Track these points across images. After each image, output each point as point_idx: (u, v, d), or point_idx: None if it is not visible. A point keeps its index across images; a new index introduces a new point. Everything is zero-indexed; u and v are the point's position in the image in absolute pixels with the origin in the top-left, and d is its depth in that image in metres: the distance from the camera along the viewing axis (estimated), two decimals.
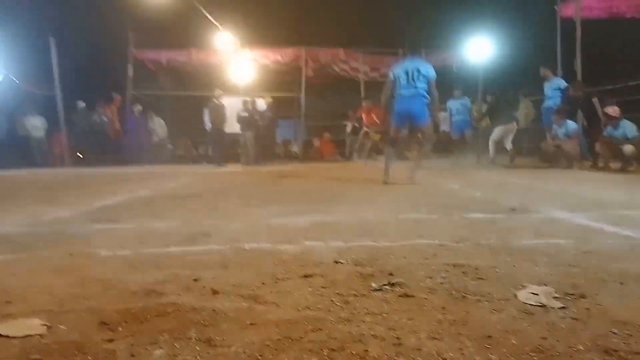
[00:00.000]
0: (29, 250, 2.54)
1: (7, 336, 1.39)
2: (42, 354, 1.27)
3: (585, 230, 2.88)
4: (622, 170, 7.70)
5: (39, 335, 1.40)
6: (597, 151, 8.42)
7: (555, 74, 9.81)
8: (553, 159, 9.14)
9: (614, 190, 5.05)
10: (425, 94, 5.84)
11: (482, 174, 7.73)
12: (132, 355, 1.26)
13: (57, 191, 5.96)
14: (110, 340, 1.36)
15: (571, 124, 8.90)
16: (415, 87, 5.73)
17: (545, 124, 9.74)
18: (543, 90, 9.89)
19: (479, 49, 13.09)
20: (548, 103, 9.69)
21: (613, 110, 7.94)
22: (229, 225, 3.21)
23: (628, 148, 7.64)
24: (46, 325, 1.47)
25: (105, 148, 14.17)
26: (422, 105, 5.87)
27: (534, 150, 11.23)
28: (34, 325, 1.46)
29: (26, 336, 1.39)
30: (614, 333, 1.35)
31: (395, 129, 6.23)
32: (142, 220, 3.53)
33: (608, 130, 8.07)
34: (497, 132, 10.01)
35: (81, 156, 14.18)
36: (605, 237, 2.66)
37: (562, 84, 9.54)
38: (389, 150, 6.36)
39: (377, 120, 8.74)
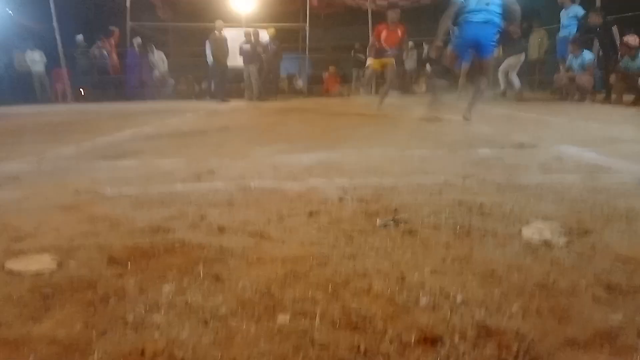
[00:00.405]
0: (35, 188, 2.56)
1: (18, 272, 1.42)
2: (53, 288, 1.30)
3: (594, 166, 2.84)
4: (635, 103, 7.51)
5: (50, 270, 1.43)
6: (611, 83, 8.17)
7: (573, 1, 9.31)
8: (565, 91, 8.91)
9: (626, 125, 4.95)
10: (499, 21, 4.93)
11: (491, 107, 7.57)
12: (142, 290, 1.29)
13: (60, 128, 5.93)
14: (120, 276, 1.39)
15: (587, 55, 8.56)
16: (488, 12, 4.84)
17: (559, 54, 9.39)
18: (559, 18, 9.44)
19: None
20: (564, 32, 9.28)
21: (633, 39, 7.59)
22: (233, 163, 3.20)
23: None
24: (56, 261, 1.49)
25: (107, 84, 13.95)
26: (493, 35, 4.99)
27: (547, 82, 10.91)
28: (45, 261, 1.49)
29: (37, 272, 1.42)
30: (618, 269, 1.36)
31: (451, 59, 5.37)
32: (147, 157, 3.52)
33: (624, 61, 7.78)
34: (506, 63, 9.68)
35: (83, 92, 14.00)
36: (614, 173, 2.63)
37: (580, 12, 9.08)
38: (439, 82, 5.64)
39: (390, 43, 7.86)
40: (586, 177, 2.53)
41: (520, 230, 1.71)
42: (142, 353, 0.99)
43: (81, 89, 14.00)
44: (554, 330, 1.05)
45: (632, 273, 1.33)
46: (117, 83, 14.07)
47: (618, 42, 8.06)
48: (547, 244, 1.58)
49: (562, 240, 1.59)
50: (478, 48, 5.09)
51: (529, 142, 3.79)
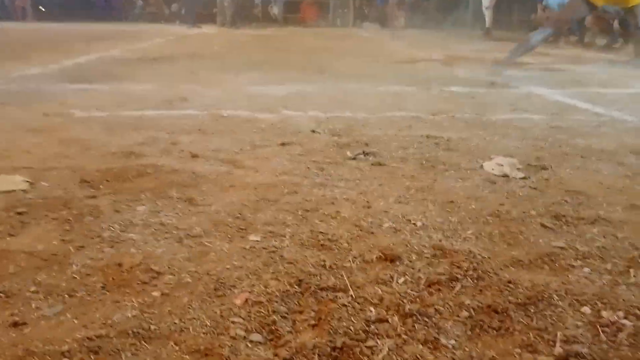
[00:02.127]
0: (3, 109, 2.49)
1: None
2: (27, 208, 1.32)
3: (560, 106, 2.94)
4: (607, 47, 7.59)
5: (23, 190, 1.44)
6: (586, 25, 8.17)
7: None
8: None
9: (595, 68, 5.04)
10: None
11: (468, 45, 7.51)
12: (116, 211, 1.33)
13: (24, 48, 5.61)
14: (93, 197, 1.42)
15: None
16: None
17: None
18: None
19: None
20: None
21: None
22: (206, 91, 3.15)
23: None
24: (28, 181, 1.50)
25: (71, 2, 13.03)
26: None
27: (525, 22, 10.81)
28: (17, 181, 1.50)
29: (10, 191, 1.43)
30: (567, 201, 1.47)
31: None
32: (116, 82, 3.42)
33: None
34: None
35: (44, 10, 13.07)
36: (577, 114, 2.73)
37: None
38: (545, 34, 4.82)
39: None
40: (551, 116, 2.63)
41: (481, 165, 1.80)
42: (120, 266, 1.04)
43: (41, 7, 13.06)
44: (502, 252, 1.16)
45: (578, 205, 1.45)
46: (82, 2, 13.15)
47: None
48: (505, 178, 1.68)
49: (519, 175, 1.69)
50: None
51: (500, 81, 3.85)
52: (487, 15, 9.73)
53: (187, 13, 11.88)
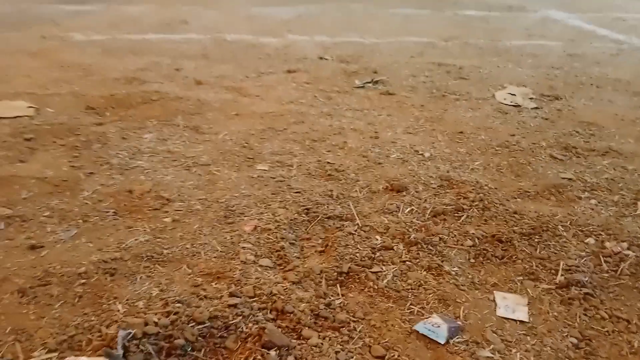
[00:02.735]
0: None
1: None
2: (35, 134, 1.31)
3: (578, 32, 2.81)
4: None
5: (28, 116, 1.43)
6: None
7: None
8: None
9: None
10: None
11: None
12: (123, 138, 1.32)
13: None
14: (100, 124, 1.41)
15: None
16: None
17: None
18: None
19: None
20: None
21: None
22: (207, 13, 3.02)
23: None
24: (33, 107, 1.48)
25: None
26: None
27: None
28: (21, 107, 1.48)
29: (15, 117, 1.42)
30: (578, 132, 1.45)
31: None
32: (112, 3, 3.27)
33: None
34: None
35: None
36: (595, 40, 2.61)
37: None
38: None
39: None
40: (567, 43, 2.52)
41: (493, 95, 1.75)
42: (130, 192, 1.06)
43: None
44: (509, 183, 1.16)
45: (589, 137, 1.43)
46: None
47: None
48: (517, 108, 1.64)
49: (531, 105, 1.65)
50: None
51: (517, 4, 3.65)
52: None
53: None
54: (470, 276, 0.84)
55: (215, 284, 0.80)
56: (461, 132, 1.43)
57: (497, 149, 1.34)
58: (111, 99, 1.59)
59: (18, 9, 2.97)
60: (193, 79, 1.81)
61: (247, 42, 2.38)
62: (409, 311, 0.76)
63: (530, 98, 1.71)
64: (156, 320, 0.69)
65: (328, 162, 1.23)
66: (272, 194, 1.08)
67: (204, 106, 1.58)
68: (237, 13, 3.05)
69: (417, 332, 0.71)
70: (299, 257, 0.88)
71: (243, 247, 0.89)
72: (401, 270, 0.85)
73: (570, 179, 1.18)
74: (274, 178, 1.15)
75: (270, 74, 1.94)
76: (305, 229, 0.96)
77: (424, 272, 0.85)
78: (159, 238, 0.91)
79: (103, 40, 2.32)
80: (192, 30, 2.59)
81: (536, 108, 1.63)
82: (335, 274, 0.83)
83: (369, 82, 1.85)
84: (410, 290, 0.80)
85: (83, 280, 0.79)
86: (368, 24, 2.87)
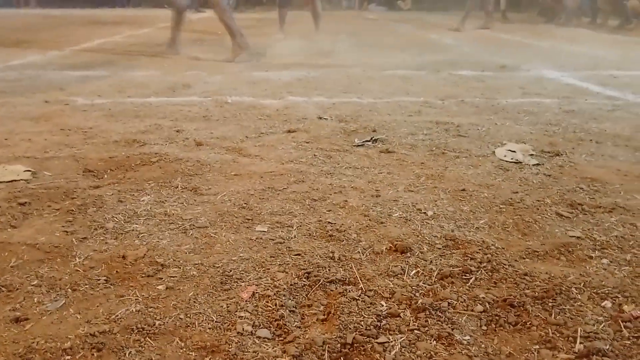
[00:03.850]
0: (3, 97, 2.45)
1: None
2: (29, 198, 1.29)
3: (572, 89, 2.87)
4: (620, 27, 7.42)
5: (25, 180, 1.41)
6: (599, 6, 7.98)
7: None
8: (551, 13, 8.70)
9: (608, 50, 4.92)
10: None
11: (475, 28, 7.37)
12: (120, 201, 1.30)
13: (25, 34, 5.56)
14: (97, 187, 1.39)
15: None
16: None
17: None
18: None
19: None
20: None
21: None
22: (210, 77, 3.10)
23: (633, 3, 7.25)
24: (30, 171, 1.48)
25: None
26: None
27: (533, 3, 10.60)
28: (18, 171, 1.47)
29: (12, 181, 1.40)
30: (582, 189, 1.43)
31: None
32: (119, 68, 3.38)
33: None
34: None
35: None
36: (590, 97, 2.66)
37: None
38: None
39: None
40: (563, 100, 2.56)
41: (493, 151, 1.75)
42: (124, 258, 1.02)
43: None
44: (517, 243, 1.12)
45: (594, 193, 1.40)
46: None
47: None
48: (518, 164, 1.63)
49: (532, 161, 1.64)
50: None
51: (511, 64, 3.76)
52: None
53: None
54: (483, 346, 0.79)
55: (210, 358, 0.74)
56: (463, 190, 1.41)
57: (501, 206, 1.31)
58: (110, 162, 1.58)
59: (25, 75, 3.06)
60: (193, 141, 1.82)
61: (248, 104, 2.43)
62: None
63: (531, 154, 1.70)
64: None
65: (329, 222, 1.20)
66: (271, 256, 1.04)
67: (204, 167, 1.57)
68: (239, 77, 3.13)
69: None
70: (299, 327, 0.83)
71: (240, 317, 0.84)
72: (409, 340, 0.79)
73: (579, 237, 1.14)
74: (273, 240, 1.11)
75: (270, 134, 1.96)
76: (306, 295, 0.92)
77: (434, 342, 0.79)
78: (151, 307, 0.86)
79: (106, 104, 2.36)
80: (195, 93, 2.65)
81: (537, 164, 1.62)
82: (339, 345, 0.78)
83: (368, 141, 1.85)
84: None
85: (68, 357, 0.74)
86: (366, 85, 2.94)
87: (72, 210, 1.24)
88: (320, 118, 2.19)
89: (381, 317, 0.85)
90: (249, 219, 1.22)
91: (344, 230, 1.16)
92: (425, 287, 0.94)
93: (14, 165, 1.51)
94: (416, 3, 14.15)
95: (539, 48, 4.96)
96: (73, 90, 2.62)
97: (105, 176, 1.48)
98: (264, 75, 3.22)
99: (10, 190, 1.34)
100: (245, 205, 1.30)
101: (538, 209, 1.30)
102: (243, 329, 0.81)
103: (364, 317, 0.84)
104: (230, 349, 0.76)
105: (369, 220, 1.22)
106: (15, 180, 1.41)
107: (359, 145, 1.82)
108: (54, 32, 6.03)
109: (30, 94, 2.51)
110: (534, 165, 1.62)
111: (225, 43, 4.27)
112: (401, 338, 0.79)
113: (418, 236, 1.13)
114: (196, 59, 3.91)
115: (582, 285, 0.94)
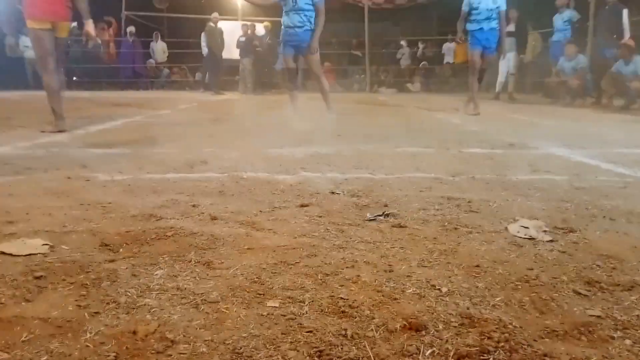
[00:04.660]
0: (27, 173, 2.56)
1: (10, 254, 1.43)
2: (46, 272, 1.31)
3: (581, 166, 2.90)
4: (625, 108, 7.61)
5: (42, 254, 1.44)
6: (602, 87, 8.25)
7: (567, 6, 9.40)
8: (556, 94, 9.00)
9: (614, 129, 5.03)
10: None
11: (483, 108, 7.62)
12: (134, 275, 1.31)
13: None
14: (112, 261, 1.41)
15: (581, 58, 8.66)
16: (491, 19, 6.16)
17: (552, 57, 9.47)
18: (552, 23, 9.54)
19: None
20: (557, 36, 9.38)
21: (632, 42, 7.64)
22: (226, 154, 3.21)
23: (637, 84, 7.48)
24: (48, 245, 1.51)
25: (100, 71, 13.88)
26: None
27: (538, 85, 11.01)
28: (37, 245, 1.50)
29: (29, 255, 1.43)
30: (598, 266, 1.40)
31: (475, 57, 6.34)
32: (139, 146, 3.52)
33: (617, 65, 7.85)
34: (511, 61, 9.84)
35: (75, 79, 13.89)
36: (600, 174, 2.68)
37: (575, 16, 9.18)
38: (475, 79, 6.48)
39: None
40: (573, 177, 2.58)
41: (506, 227, 1.75)
42: (134, 333, 1.01)
43: (73, 76, 13.88)
44: (535, 321, 1.09)
45: (612, 270, 1.38)
46: (110, 71, 13.98)
47: (627, 27, 7.89)
48: (532, 241, 1.62)
49: (546, 238, 1.63)
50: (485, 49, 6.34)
51: (519, 142, 3.85)
52: (511, 80, 10.13)
53: (211, 81, 12.43)
54: None
55: None
56: (477, 266, 1.40)
57: (516, 283, 1.29)
58: (126, 236, 1.61)
59: (51, 152, 3.21)
60: (208, 215, 1.86)
61: (263, 179, 2.49)
62: None
63: (544, 231, 1.70)
64: None
65: (341, 298, 1.19)
66: (283, 333, 1.02)
67: (217, 241, 1.59)
68: (255, 153, 3.24)
69: None
70: None
71: None
72: None
73: (599, 317, 1.11)
74: (284, 315, 1.10)
75: (283, 208, 1.99)
76: None
77: None
78: None
79: (126, 180, 2.44)
80: (212, 169, 2.73)
81: (551, 241, 1.61)
82: None
83: (380, 215, 1.87)
84: None
85: None
86: (377, 161, 3.01)
87: (87, 284, 1.24)
88: (333, 193, 2.23)
89: None
90: (260, 294, 1.21)
91: (357, 307, 1.14)
92: None
93: (33, 239, 1.55)
94: (424, 85, 14.78)
95: (546, 127, 5.08)
96: (94, 167, 2.72)
97: (121, 250, 1.50)
98: (278, 151, 3.32)
99: (27, 264, 1.36)
100: (257, 279, 1.30)
101: (555, 286, 1.27)
102: None
103: None
104: None
105: (382, 296, 1.20)
106: (33, 254, 1.44)
107: (371, 220, 1.83)
108: (80, 113, 6.37)
109: (53, 170, 2.62)
110: (548, 241, 1.61)
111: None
112: None
113: (433, 313, 1.11)
114: (211, 136, 4.07)
115: None
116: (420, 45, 15.83)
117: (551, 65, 9.39)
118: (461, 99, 9.61)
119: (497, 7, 6.10)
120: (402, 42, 15.57)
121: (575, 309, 1.15)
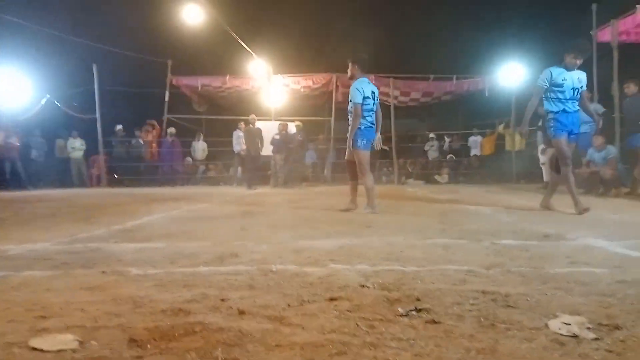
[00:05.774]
0: (64, 268, 2.64)
1: (41, 349, 1.44)
2: None
3: (622, 258, 2.77)
4: None
5: (72, 350, 1.45)
6: (635, 177, 8.11)
7: (591, 100, 9.61)
8: (589, 185, 8.86)
9: None
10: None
11: (514, 199, 7.55)
12: None
13: (94, 211, 6.16)
14: (139, 357, 1.40)
15: (611, 148, 8.64)
16: (576, 100, 5.20)
17: (580, 148, 9.49)
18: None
19: (512, 73, 13.42)
20: (584, 128, 9.48)
21: None
22: (257, 247, 3.24)
23: None
24: (79, 340, 1.51)
25: (141, 170, 14.72)
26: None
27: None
28: (67, 341, 1.51)
29: (59, 350, 1.44)
30: None
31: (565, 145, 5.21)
32: (173, 240, 3.61)
33: None
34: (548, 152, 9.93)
35: (117, 177, 14.70)
36: None
37: (600, 109, 9.33)
38: (569, 173, 5.30)
39: None
40: (614, 270, 2.46)
41: (546, 324, 1.65)
42: None
43: (115, 174, 14.71)
44: None
45: None
46: (150, 169, 14.80)
47: None
48: (575, 338, 1.52)
49: (590, 335, 1.53)
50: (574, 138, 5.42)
51: (554, 233, 3.74)
52: (544, 170, 10.20)
53: (246, 177, 12.92)
54: None
55: None
56: None
57: None
58: (155, 331, 1.61)
59: (88, 247, 3.32)
60: (237, 309, 1.84)
61: (292, 272, 2.48)
62: None
63: (588, 327, 1.60)
64: None
65: None
66: None
67: (245, 337, 1.56)
68: (285, 246, 3.26)
69: None
70: None
71: None
72: None
73: None
74: None
75: (312, 302, 1.96)
76: None
77: None
78: None
79: (158, 274, 2.48)
80: (242, 262, 2.75)
81: (596, 339, 1.51)
82: None
83: (413, 310, 1.81)
84: None
85: None
86: (408, 253, 2.97)
87: None
88: (363, 286, 2.19)
89: None
90: None
91: None
92: None
93: (64, 335, 1.56)
94: (452, 177, 14.91)
95: (581, 217, 4.95)
96: (129, 262, 2.79)
97: (149, 346, 1.49)
98: (308, 243, 3.33)
99: None
100: None
101: None
102: None
103: None
104: None
105: None
106: (63, 350, 1.44)
107: (403, 315, 1.77)
108: (119, 208, 6.65)
109: (90, 265, 2.69)
110: (592, 339, 1.50)
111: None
112: None
113: None
114: (244, 230, 4.14)
115: None
116: (447, 139, 16.27)
117: (580, 156, 9.38)
118: (489, 189, 9.56)
119: (581, 87, 5.14)
120: (432, 135, 16.08)
121: None
